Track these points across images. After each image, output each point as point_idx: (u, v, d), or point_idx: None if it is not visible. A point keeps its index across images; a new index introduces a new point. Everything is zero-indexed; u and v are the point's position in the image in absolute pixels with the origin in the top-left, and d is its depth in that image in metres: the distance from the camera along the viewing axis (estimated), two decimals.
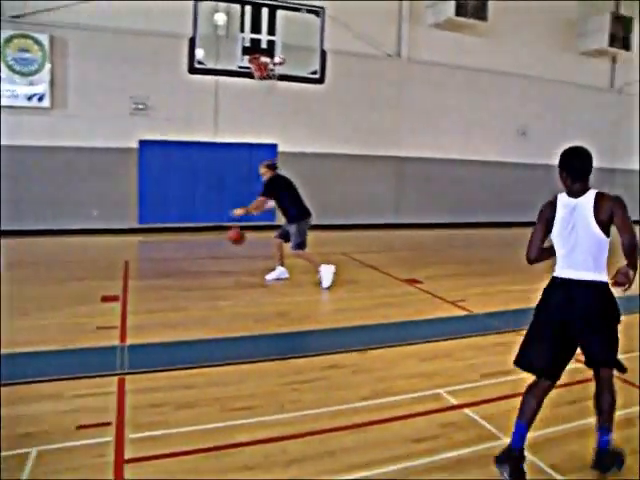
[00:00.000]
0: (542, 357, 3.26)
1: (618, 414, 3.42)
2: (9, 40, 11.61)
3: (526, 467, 3.21)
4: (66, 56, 12.26)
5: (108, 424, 3.67)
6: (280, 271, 8.36)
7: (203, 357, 5.03)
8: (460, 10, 14.44)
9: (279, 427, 3.73)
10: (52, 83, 12.16)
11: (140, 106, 12.78)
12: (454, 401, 4.23)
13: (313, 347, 5.48)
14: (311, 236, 8.38)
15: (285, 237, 8.20)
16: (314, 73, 11.02)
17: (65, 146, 12.37)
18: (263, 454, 3.39)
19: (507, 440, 3.60)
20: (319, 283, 7.97)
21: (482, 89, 16.21)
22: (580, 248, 3.19)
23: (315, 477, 3.17)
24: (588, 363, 3.36)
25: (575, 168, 3.23)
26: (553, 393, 4.21)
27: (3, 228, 11.96)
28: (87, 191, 12.55)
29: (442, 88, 15.71)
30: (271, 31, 11.23)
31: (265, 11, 11.33)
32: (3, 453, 3.28)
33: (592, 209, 3.14)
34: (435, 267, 9.95)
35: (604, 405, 3.32)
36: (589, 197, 3.18)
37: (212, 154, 13.31)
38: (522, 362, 3.38)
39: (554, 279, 3.37)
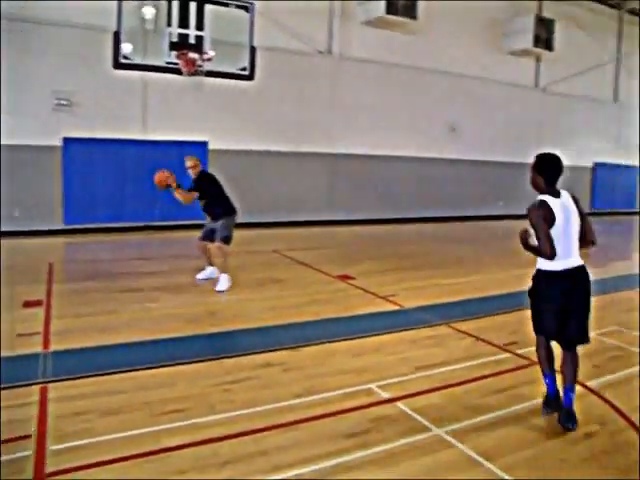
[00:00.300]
0: (551, 328, 3.89)
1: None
2: None
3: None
4: None
5: (28, 437, 3.50)
6: (210, 271, 8.22)
7: (132, 361, 4.89)
8: (390, 8, 14.62)
9: (211, 429, 3.66)
10: None
11: (64, 102, 12.27)
12: (385, 395, 4.28)
13: (244, 346, 5.40)
14: (244, 233, 8.30)
15: (210, 237, 7.95)
16: (244, 69, 10.89)
17: None
18: (195, 457, 3.33)
19: (438, 431, 3.69)
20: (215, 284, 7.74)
21: (413, 86, 16.54)
22: (573, 239, 3.80)
23: (249, 477, 3.14)
24: (567, 342, 3.92)
25: (555, 173, 3.80)
26: (481, 383, 4.38)
27: None
28: (7, 191, 11.97)
29: (374, 85, 15.91)
30: (199, 26, 11.02)
31: (193, 5, 11.11)
32: None
33: (575, 205, 3.80)
34: (368, 263, 10.06)
35: (571, 372, 3.88)
36: (566, 195, 3.82)
37: (141, 152, 12.95)
38: (538, 329, 4.04)
39: (554, 272, 3.81)
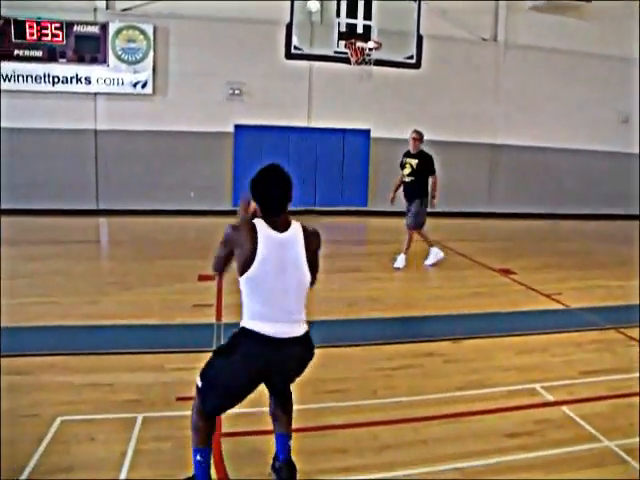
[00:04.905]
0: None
1: None
2: (119, 32, 12.26)
3: None
4: (168, 45, 12.76)
5: None
6: (435, 252, 8.53)
7: None
8: None
9: (371, 413, 3.74)
10: (154, 71, 12.68)
11: (236, 91, 13.09)
12: (550, 397, 4.09)
13: (405, 334, 5.45)
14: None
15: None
16: (410, 58, 10.83)
17: (165, 130, 12.89)
18: (355, 439, 3.42)
19: (608, 443, 3.44)
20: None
21: (583, 74, 15.29)
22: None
23: (408, 465, 3.16)
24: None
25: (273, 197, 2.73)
26: None
27: (108, 208, 12.73)
28: (185, 173, 13.03)
29: (540, 73, 15.01)
30: (367, 16, 11.13)
31: None
32: (111, 415, 3.57)
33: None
34: (529, 258, 9.62)
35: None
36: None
37: (305, 139, 13.46)
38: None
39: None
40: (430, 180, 8.27)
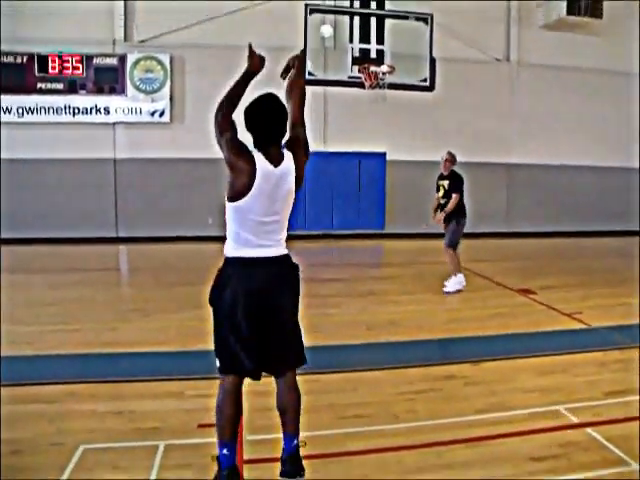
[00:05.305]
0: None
1: None
2: (137, 62, 12.56)
3: None
4: (184, 74, 13.03)
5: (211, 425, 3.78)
6: (459, 279, 8.37)
7: (315, 364, 5.02)
8: (572, 8, 13.86)
9: (394, 437, 3.70)
10: (171, 99, 12.92)
11: None
12: (575, 419, 4.01)
13: (426, 357, 5.41)
14: (420, 244, 8.27)
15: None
16: (424, 80, 10.90)
17: (182, 158, 13.06)
18: (378, 464, 3.38)
19: (636, 466, 3.37)
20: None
21: (596, 91, 15.32)
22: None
23: None
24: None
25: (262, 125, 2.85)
26: None
27: (127, 235, 12.87)
28: (203, 200, 13.17)
29: (554, 91, 15.08)
30: (380, 40, 11.25)
31: (373, 21, 11.36)
32: (133, 443, 3.56)
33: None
34: (549, 277, 9.55)
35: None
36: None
37: (321, 163, 13.53)
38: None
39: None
40: (452, 195, 8.21)
